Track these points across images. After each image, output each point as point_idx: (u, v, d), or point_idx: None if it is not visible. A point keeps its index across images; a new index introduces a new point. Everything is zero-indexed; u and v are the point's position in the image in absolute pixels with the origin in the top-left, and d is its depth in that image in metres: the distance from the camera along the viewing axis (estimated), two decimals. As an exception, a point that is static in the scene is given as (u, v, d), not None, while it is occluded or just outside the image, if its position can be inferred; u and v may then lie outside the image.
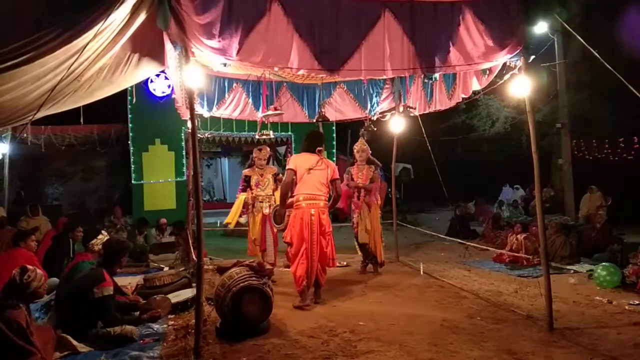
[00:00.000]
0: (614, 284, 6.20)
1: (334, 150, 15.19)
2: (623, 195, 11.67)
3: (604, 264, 6.52)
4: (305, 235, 5.30)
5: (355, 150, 7.35)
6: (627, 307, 5.28)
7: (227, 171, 20.51)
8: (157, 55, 4.94)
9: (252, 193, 6.77)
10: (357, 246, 7.49)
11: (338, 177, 5.66)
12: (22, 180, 13.33)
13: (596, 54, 4.96)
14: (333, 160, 14.96)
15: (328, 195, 5.59)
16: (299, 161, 5.53)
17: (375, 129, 7.92)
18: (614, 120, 12.87)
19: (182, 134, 13.11)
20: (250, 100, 7.53)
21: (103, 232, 5.60)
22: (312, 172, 5.40)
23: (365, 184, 7.08)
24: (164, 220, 9.87)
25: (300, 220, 5.34)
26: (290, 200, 5.52)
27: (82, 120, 7.29)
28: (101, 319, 4.25)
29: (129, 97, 12.23)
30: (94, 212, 14.00)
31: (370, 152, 7.31)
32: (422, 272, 6.65)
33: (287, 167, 5.62)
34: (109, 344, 4.10)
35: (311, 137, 5.77)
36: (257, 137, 7.50)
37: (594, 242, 8.26)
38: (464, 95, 6.78)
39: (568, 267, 7.44)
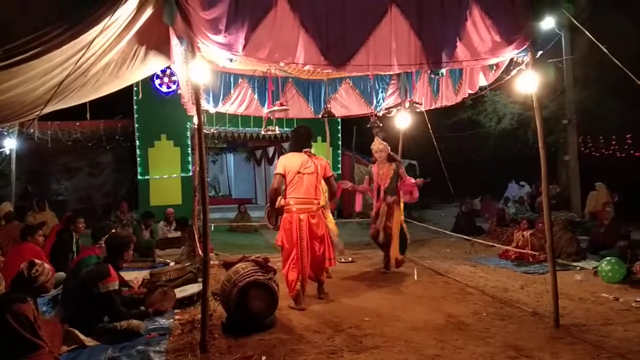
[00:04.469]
0: (616, 279, 6.22)
1: (339, 146, 15.19)
2: (630, 191, 11.60)
3: (608, 258, 6.52)
4: (295, 239, 5.19)
5: (373, 151, 7.10)
6: (633, 304, 5.25)
7: (233, 167, 20.56)
8: (163, 50, 4.95)
9: None
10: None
11: (331, 173, 5.53)
12: (28, 175, 13.39)
13: (604, 49, 4.92)
14: (338, 156, 14.98)
15: (322, 194, 5.48)
16: (287, 164, 5.27)
17: (381, 124, 7.90)
18: (621, 116, 12.79)
19: (188, 130, 13.15)
20: (256, 96, 7.53)
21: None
22: (302, 175, 5.22)
23: (390, 199, 6.79)
24: (171, 209, 9.91)
25: (289, 224, 5.22)
26: (281, 203, 5.33)
27: (88, 116, 7.31)
28: (107, 314, 4.28)
29: (135, 93, 12.27)
30: (100, 207, 14.06)
31: (390, 148, 7.07)
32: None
33: (275, 171, 5.37)
34: (115, 338, 4.13)
35: (298, 136, 5.49)
36: (262, 132, 7.50)
37: (602, 239, 8.23)
38: (470, 91, 6.76)
39: (574, 263, 7.41)
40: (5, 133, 10.42)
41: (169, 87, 12.77)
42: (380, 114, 8.02)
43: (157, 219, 9.59)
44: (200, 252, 6.08)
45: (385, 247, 6.90)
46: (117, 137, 13.63)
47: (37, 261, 3.63)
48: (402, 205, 6.99)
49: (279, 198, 5.35)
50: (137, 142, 13.11)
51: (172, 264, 7.24)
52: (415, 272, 6.85)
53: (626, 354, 3.85)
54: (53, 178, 14.42)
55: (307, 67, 4.65)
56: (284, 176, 5.25)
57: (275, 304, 4.65)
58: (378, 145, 7.01)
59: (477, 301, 5.43)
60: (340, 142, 15.23)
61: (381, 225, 6.79)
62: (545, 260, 6.52)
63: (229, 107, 7.55)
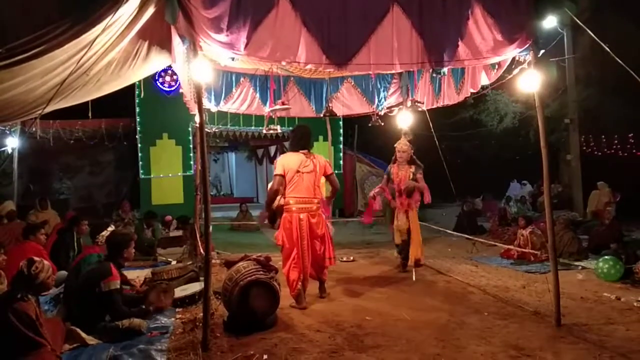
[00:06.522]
0: (612, 277, 6.24)
1: (341, 145, 15.20)
2: (632, 191, 11.59)
3: (605, 257, 6.55)
4: (295, 239, 5.17)
5: (396, 149, 6.94)
6: (635, 304, 5.24)
7: (234, 166, 20.59)
8: (165, 49, 4.95)
9: None
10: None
11: (332, 171, 5.50)
12: (30, 174, 13.42)
13: (606, 48, 4.91)
14: (340, 155, 14.99)
15: (322, 194, 5.44)
16: (286, 164, 5.23)
17: (382, 123, 7.91)
18: (624, 115, 12.76)
19: (190, 129, 13.17)
20: (258, 94, 7.53)
21: (111, 225, 5.64)
22: (302, 174, 5.20)
23: (412, 183, 6.67)
24: (169, 217, 9.96)
25: (289, 223, 5.20)
26: (281, 203, 5.29)
27: (90, 115, 7.30)
28: (109, 312, 4.29)
29: (137, 92, 12.28)
30: (102, 206, 14.10)
31: (413, 151, 6.92)
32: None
33: (275, 172, 5.32)
34: (117, 336, 4.13)
35: (296, 136, 5.44)
36: (264, 131, 7.50)
37: (603, 239, 8.21)
38: (472, 90, 6.74)
39: (576, 263, 7.41)
40: (8, 132, 10.44)
41: (170, 86, 12.80)
42: (382, 113, 8.02)
43: (159, 218, 9.61)
44: (201, 251, 6.08)
45: (404, 250, 6.83)
46: (118, 136, 13.65)
47: (36, 258, 3.63)
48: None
49: (278, 198, 5.33)
50: (139, 141, 13.12)
51: (174, 262, 7.26)
52: (414, 270, 6.84)
53: (628, 354, 3.84)
54: (55, 177, 14.45)
55: (308, 66, 4.65)
56: (283, 177, 5.23)
57: (277, 303, 4.66)
58: (402, 145, 6.89)
59: (479, 300, 5.42)
60: (341, 141, 15.25)
61: (404, 228, 6.72)
62: (547, 260, 6.53)
63: (230, 106, 7.56)
